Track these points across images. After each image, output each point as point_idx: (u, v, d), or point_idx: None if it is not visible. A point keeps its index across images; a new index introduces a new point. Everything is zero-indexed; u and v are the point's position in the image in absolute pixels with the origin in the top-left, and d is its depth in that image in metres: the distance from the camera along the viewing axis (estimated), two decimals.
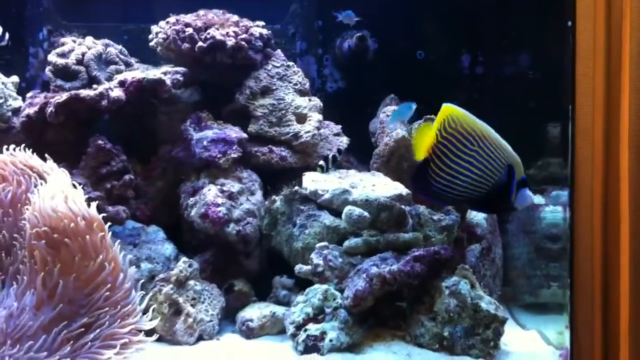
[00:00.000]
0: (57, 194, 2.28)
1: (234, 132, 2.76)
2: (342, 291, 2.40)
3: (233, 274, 2.67)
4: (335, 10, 3.03)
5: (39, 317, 2.26)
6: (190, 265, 2.51)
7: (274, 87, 2.90)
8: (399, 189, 2.63)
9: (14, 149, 2.46)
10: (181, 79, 2.76)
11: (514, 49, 3.21)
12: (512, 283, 2.84)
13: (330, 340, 2.27)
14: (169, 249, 2.66)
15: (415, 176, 2.11)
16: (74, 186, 2.34)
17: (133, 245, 2.61)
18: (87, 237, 2.27)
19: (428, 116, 2.81)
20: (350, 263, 2.46)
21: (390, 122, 2.76)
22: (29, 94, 2.81)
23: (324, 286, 2.39)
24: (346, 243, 2.49)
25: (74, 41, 2.80)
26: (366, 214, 2.49)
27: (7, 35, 2.67)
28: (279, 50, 2.97)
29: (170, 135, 2.84)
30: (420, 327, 2.35)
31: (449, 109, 2.03)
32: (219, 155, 2.69)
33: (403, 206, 2.55)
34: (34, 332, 2.24)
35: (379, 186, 2.65)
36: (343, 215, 2.50)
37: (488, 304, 2.32)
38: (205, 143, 2.70)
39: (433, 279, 2.38)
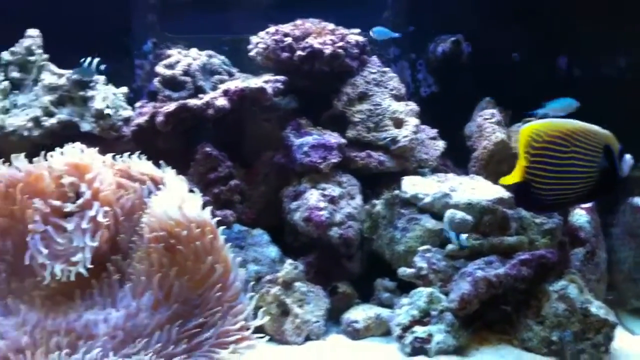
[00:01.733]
0: (175, 200, 2.40)
1: (333, 138, 2.82)
2: (446, 294, 2.42)
3: (336, 276, 2.73)
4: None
5: (156, 317, 2.37)
6: (295, 267, 2.58)
7: (371, 93, 2.94)
8: (500, 192, 2.63)
9: (129, 157, 2.61)
10: (281, 87, 2.84)
11: (610, 49, 3.16)
12: (618, 287, 2.79)
13: (438, 343, 2.30)
14: (273, 251, 2.75)
15: (520, 200, 2.18)
16: (191, 191, 2.47)
17: (240, 248, 2.70)
18: (201, 240, 2.38)
19: (527, 119, 2.80)
20: (453, 266, 2.48)
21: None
22: (137, 104, 2.97)
23: (429, 289, 2.41)
24: (449, 246, 2.51)
25: (180, 53, 2.93)
26: (469, 217, 2.50)
27: (94, 63, 2.85)
28: (374, 57, 3.02)
29: (270, 141, 2.93)
30: (527, 331, 2.34)
31: (527, 129, 2.10)
32: (319, 161, 2.76)
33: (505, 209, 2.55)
34: (150, 331, 2.36)
35: (479, 189, 2.66)
36: (445, 219, 2.52)
37: (598, 308, 2.29)
38: (305, 149, 2.77)
39: (539, 283, 2.37)
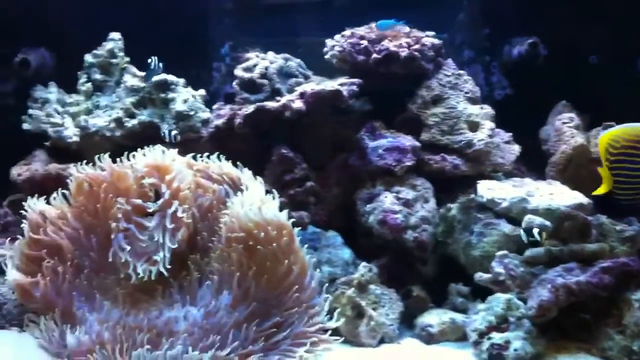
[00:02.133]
0: (254, 201, 2.45)
1: (407, 141, 2.82)
2: (523, 301, 2.39)
3: (409, 279, 2.73)
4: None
5: (234, 315, 2.43)
6: (370, 270, 2.59)
7: (446, 96, 2.94)
8: (579, 198, 2.58)
9: (207, 158, 2.68)
10: (357, 89, 2.85)
11: None
12: None
13: (515, 350, 2.27)
14: (347, 253, 2.77)
15: (601, 206, 2.18)
16: (268, 193, 2.52)
17: (314, 249, 2.72)
18: (279, 241, 2.42)
19: (607, 123, 2.75)
20: (531, 273, 2.45)
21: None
22: (215, 106, 3.04)
23: (507, 295, 2.38)
24: (527, 252, 2.47)
25: (258, 56, 2.98)
26: (548, 223, 2.47)
27: (161, 65, 2.93)
28: (449, 59, 3.01)
29: (344, 143, 2.95)
30: (607, 339, 2.30)
31: (604, 137, 2.12)
32: (394, 164, 2.77)
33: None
34: (229, 329, 2.41)
35: (557, 195, 2.62)
36: (523, 224, 2.49)
37: None
38: (380, 151, 2.79)
39: (621, 292, 2.32)
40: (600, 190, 2.15)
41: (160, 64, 2.94)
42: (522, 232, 2.44)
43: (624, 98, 3.05)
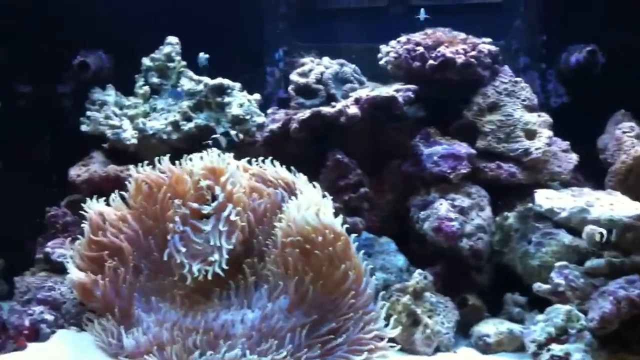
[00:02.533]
0: (311, 206, 2.46)
1: (463, 148, 2.81)
2: (583, 312, 2.36)
3: (464, 288, 2.72)
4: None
5: (291, 320, 2.44)
6: (425, 277, 2.59)
7: (502, 103, 2.92)
8: None
9: (262, 162, 2.70)
10: (412, 96, 2.85)
11: None
12: None
13: None
14: (401, 260, 2.77)
15: None
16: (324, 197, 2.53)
17: (367, 255, 2.71)
18: (335, 246, 2.43)
19: None
20: (592, 284, 2.41)
21: None
22: (269, 110, 3.07)
23: (567, 306, 2.35)
24: (588, 263, 2.44)
25: (313, 61, 3.00)
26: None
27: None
28: (506, 66, 2.99)
29: (397, 149, 2.95)
30: None
31: None
32: (449, 171, 2.76)
33: None
34: (285, 333, 2.43)
35: (617, 205, 2.56)
36: (584, 235, 2.45)
37: None
38: (435, 158, 2.78)
39: None
40: None
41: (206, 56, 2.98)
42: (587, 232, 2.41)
43: None
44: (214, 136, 2.60)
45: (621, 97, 3.07)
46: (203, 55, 3.07)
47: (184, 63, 3.14)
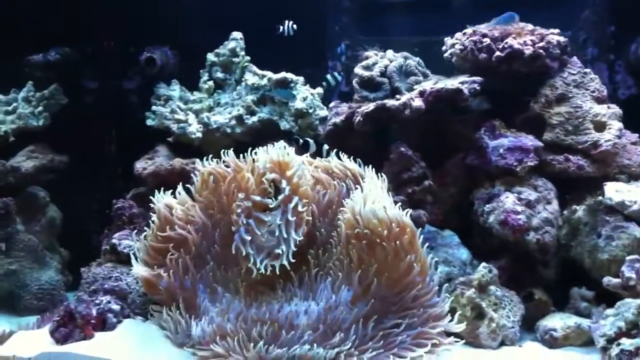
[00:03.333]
0: (376, 198, 2.46)
1: (529, 141, 2.77)
2: None
3: (529, 282, 2.68)
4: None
5: (354, 312, 2.44)
6: (490, 271, 2.55)
7: (570, 95, 2.86)
8: None
9: (327, 154, 2.71)
10: (478, 88, 2.82)
11: None
12: None
13: None
14: (464, 253, 2.75)
15: None
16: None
17: (430, 248, 2.70)
18: (401, 239, 2.43)
19: None
20: None
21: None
22: (332, 104, 3.08)
23: (638, 301, 2.29)
24: None
25: (377, 55, 3.00)
26: None
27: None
28: (574, 57, 2.93)
29: (461, 142, 2.93)
30: None
31: None
32: (515, 164, 2.72)
33: None
34: (349, 325, 2.43)
35: None
36: None
37: None
38: (501, 151, 2.75)
39: None
40: None
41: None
42: None
43: None
44: (307, 139, 2.60)
45: None
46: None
47: (247, 58, 3.19)
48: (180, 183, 2.76)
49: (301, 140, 2.56)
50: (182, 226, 2.69)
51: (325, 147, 2.59)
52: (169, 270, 2.60)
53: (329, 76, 2.91)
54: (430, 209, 2.82)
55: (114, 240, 2.90)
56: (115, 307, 2.69)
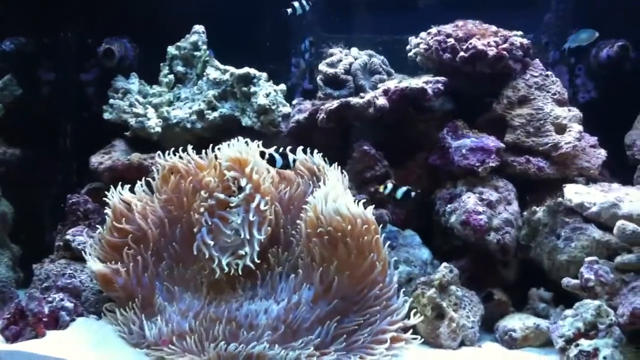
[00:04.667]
0: (339, 195, 2.43)
1: (491, 141, 2.78)
2: (612, 308, 2.32)
3: (489, 282, 2.69)
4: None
5: (315, 311, 2.42)
6: (451, 271, 2.55)
7: (532, 97, 2.88)
8: None
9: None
10: (442, 88, 2.82)
11: None
12: None
13: (604, 358, 2.19)
14: (425, 253, 2.74)
15: None
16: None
17: (391, 248, 2.69)
18: (365, 236, 2.40)
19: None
20: (622, 280, 2.37)
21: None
22: (294, 101, 3.05)
23: (597, 302, 2.31)
24: (618, 259, 2.40)
25: (341, 52, 2.97)
26: None
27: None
28: (537, 60, 2.95)
29: (424, 142, 2.93)
30: None
31: None
32: (477, 164, 2.73)
33: None
34: (310, 324, 2.40)
35: None
36: (615, 230, 2.41)
37: None
38: (464, 151, 2.75)
39: None
40: None
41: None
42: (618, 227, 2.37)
43: None
44: (272, 153, 2.53)
45: None
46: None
47: (209, 52, 3.13)
48: (139, 179, 2.71)
49: (267, 156, 2.50)
50: (141, 221, 2.62)
51: (292, 157, 2.53)
52: (127, 266, 2.55)
53: (296, 3, 2.87)
54: (392, 209, 2.81)
55: (67, 236, 2.82)
56: (69, 304, 2.62)
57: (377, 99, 2.75)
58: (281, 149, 2.51)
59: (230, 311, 2.43)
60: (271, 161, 2.49)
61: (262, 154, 2.50)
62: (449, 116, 2.94)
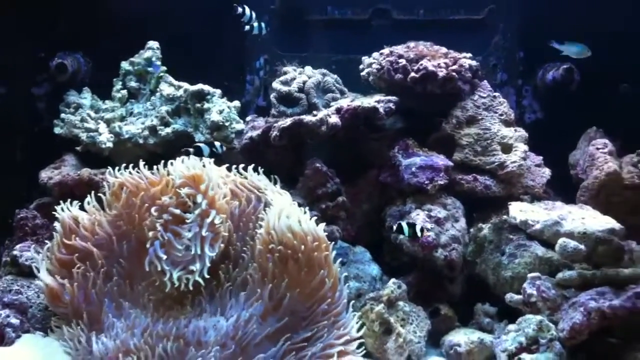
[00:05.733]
0: (291, 213, 2.45)
1: (440, 160, 2.84)
2: (553, 323, 2.39)
3: (436, 297, 2.73)
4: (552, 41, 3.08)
5: (265, 327, 2.42)
6: (399, 287, 2.59)
7: (480, 117, 2.96)
8: (611, 223, 2.58)
9: (243, 169, 2.68)
10: (393, 107, 2.87)
11: None
12: None
13: None
14: (375, 269, 2.78)
15: None
16: (300, 205, 2.52)
17: (342, 264, 2.71)
18: (315, 253, 2.43)
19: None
20: (563, 295, 2.44)
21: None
22: (248, 118, 3.07)
23: (538, 317, 2.38)
24: (559, 275, 2.47)
25: (295, 70, 3.01)
26: (582, 246, 2.46)
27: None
28: (485, 81, 3.04)
29: (376, 160, 2.97)
30: None
31: None
32: (426, 182, 2.78)
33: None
34: (259, 341, 2.41)
35: (589, 219, 2.62)
36: (557, 247, 2.48)
37: None
38: (413, 169, 2.80)
39: None
40: None
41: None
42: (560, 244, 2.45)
43: None
44: (197, 144, 2.55)
45: (594, 115, 3.15)
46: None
47: (164, 68, 3.12)
48: (89, 194, 2.68)
49: (191, 149, 2.53)
50: (87, 237, 2.60)
51: (218, 144, 2.57)
52: (75, 282, 2.52)
53: (255, 23, 2.91)
54: (343, 225, 2.84)
55: (15, 252, 2.77)
56: (15, 321, 2.55)
57: (330, 117, 2.78)
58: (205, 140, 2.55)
59: (178, 328, 2.42)
60: (198, 152, 2.55)
61: (188, 151, 2.59)
62: (401, 135, 2.99)
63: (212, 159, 2.60)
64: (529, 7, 3.30)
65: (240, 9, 2.93)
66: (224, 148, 2.74)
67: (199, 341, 2.38)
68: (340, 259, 2.50)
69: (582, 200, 2.82)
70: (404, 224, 2.59)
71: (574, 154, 3.09)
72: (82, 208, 2.64)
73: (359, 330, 2.39)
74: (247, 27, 2.94)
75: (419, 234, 2.57)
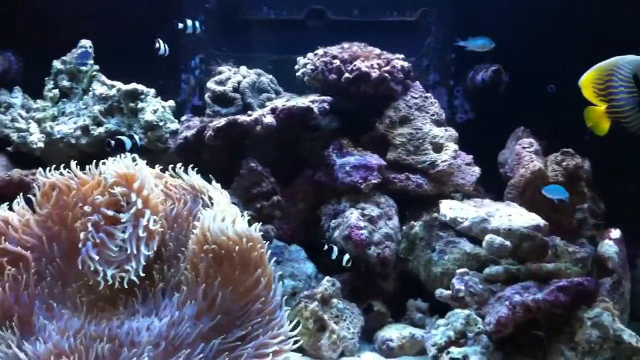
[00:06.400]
0: (226, 214, 2.46)
1: (374, 159, 2.90)
2: (481, 317, 2.47)
3: (370, 294, 2.78)
4: (463, 39, 3.16)
5: (198, 327, 2.42)
6: (333, 284, 2.63)
7: (412, 117, 3.03)
8: (536, 219, 2.68)
9: (178, 169, 2.67)
10: (327, 107, 2.91)
11: None
12: None
13: None
14: (310, 267, 2.81)
15: None
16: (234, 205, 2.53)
17: (277, 263, 2.73)
18: (250, 253, 2.44)
19: (565, 149, 2.88)
20: (490, 290, 2.52)
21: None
22: (183, 118, 3.06)
23: (466, 311, 2.45)
24: (486, 270, 2.55)
25: (230, 70, 3.02)
26: (507, 242, 2.55)
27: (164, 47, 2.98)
28: (417, 82, 3.11)
29: (311, 159, 3.01)
30: (560, 356, 2.37)
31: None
32: (360, 181, 2.83)
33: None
34: (192, 340, 2.40)
35: (515, 216, 2.71)
36: (484, 243, 2.57)
37: (630, 336, 2.33)
38: (347, 168, 2.85)
39: (574, 310, 2.41)
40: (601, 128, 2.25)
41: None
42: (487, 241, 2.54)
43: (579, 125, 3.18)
44: (118, 137, 2.53)
45: (521, 115, 3.25)
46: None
47: (96, 67, 3.09)
48: (20, 195, 2.63)
49: (112, 142, 2.54)
50: (18, 239, 2.55)
51: (137, 137, 2.59)
52: (5, 284, 2.47)
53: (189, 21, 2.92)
54: (278, 224, 2.87)
55: None
56: None
57: (265, 117, 2.80)
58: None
59: (111, 329, 2.39)
60: (120, 145, 2.58)
61: (109, 143, 2.65)
62: (335, 134, 3.03)
63: (144, 160, 2.59)
64: (460, 10, 3.39)
65: (181, 25, 2.96)
66: (145, 140, 2.72)
67: (133, 342, 2.36)
68: (275, 258, 2.52)
69: (509, 198, 2.91)
70: (335, 249, 2.67)
71: (502, 153, 3.19)
72: (12, 209, 2.60)
73: (294, 328, 2.43)
74: (180, 25, 2.94)
75: (344, 263, 2.65)
